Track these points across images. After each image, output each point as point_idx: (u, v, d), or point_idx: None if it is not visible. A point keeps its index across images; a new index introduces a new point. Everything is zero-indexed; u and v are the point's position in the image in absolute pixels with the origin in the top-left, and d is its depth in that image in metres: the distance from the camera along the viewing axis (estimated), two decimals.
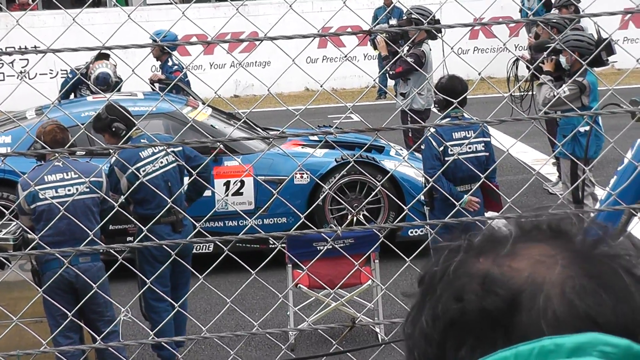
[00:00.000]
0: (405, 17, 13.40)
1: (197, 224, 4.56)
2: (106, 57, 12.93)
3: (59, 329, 7.03)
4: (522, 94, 13.22)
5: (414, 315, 1.20)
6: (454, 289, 1.16)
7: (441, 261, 1.20)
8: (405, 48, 12.80)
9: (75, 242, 7.01)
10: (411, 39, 12.39)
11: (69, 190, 7.52)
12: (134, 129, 8.08)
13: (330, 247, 7.22)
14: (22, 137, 10.12)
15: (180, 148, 8.23)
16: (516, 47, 20.57)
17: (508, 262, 1.16)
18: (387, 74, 13.34)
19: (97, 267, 7.50)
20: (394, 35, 12.80)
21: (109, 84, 12.95)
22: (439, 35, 4.88)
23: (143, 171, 8.05)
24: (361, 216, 10.50)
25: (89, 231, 6.28)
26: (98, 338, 6.11)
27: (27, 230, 7.42)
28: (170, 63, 13.42)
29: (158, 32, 12.85)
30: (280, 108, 18.02)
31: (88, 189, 7.49)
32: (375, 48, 13.92)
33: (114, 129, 8.09)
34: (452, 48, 3.81)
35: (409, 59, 12.40)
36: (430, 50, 12.99)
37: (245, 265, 4.63)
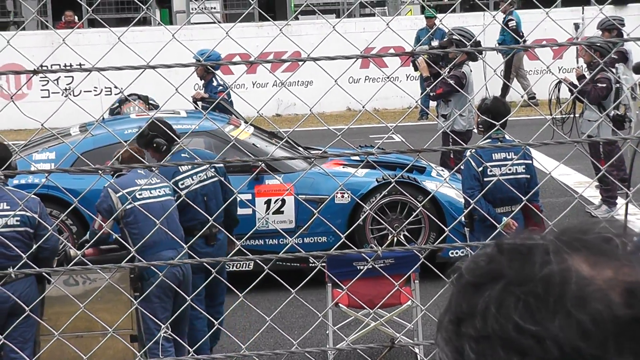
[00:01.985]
0: (446, 39, 13.40)
1: (237, 242, 4.58)
2: (137, 97, 12.77)
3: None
4: (564, 116, 13.18)
5: (544, 309, 1.18)
6: (593, 299, 1.17)
7: (541, 262, 1.20)
8: (447, 70, 12.80)
9: (171, 241, 7.43)
10: (452, 60, 12.41)
11: (155, 192, 8.00)
12: (175, 144, 8.50)
13: (371, 267, 7.23)
14: (65, 154, 10.23)
15: (222, 165, 8.51)
16: (560, 70, 20.51)
17: (633, 272, 1.18)
18: (428, 95, 13.35)
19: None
20: (435, 57, 12.81)
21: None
22: (480, 56, 4.89)
23: (182, 184, 8.34)
24: (402, 236, 10.49)
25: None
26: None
27: (71, 246, 7.60)
28: (215, 83, 13.49)
29: (202, 51, 12.93)
30: (322, 127, 18.05)
31: (170, 192, 8.09)
32: (416, 69, 13.93)
33: (155, 145, 8.44)
34: (494, 70, 3.82)
35: (449, 81, 12.41)
36: (471, 71, 12.99)
37: (285, 284, 4.64)
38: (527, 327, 1.17)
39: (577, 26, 19.34)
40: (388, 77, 4.05)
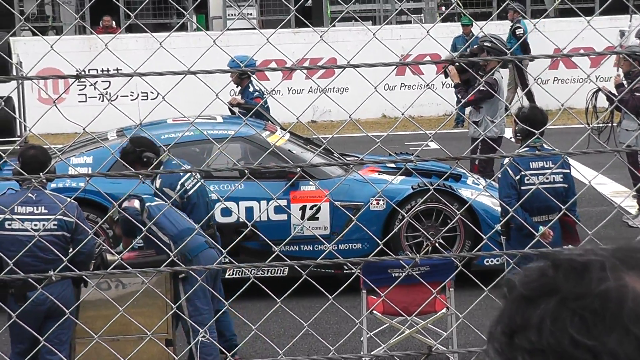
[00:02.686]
0: (477, 46, 13.38)
1: (275, 247, 4.60)
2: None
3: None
4: (601, 125, 13.11)
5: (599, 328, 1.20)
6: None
7: (597, 279, 1.21)
8: (476, 76, 12.82)
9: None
10: (483, 67, 12.46)
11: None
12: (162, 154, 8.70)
13: (405, 274, 7.22)
14: (103, 158, 10.29)
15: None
16: (597, 79, 20.41)
17: None
18: (459, 102, 13.34)
19: None
20: (466, 64, 12.81)
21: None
22: (522, 65, 4.86)
23: (187, 185, 8.67)
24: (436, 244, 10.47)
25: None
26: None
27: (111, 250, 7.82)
28: (251, 89, 13.51)
29: (238, 57, 12.93)
30: (356, 134, 18.03)
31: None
32: (447, 76, 13.84)
33: (145, 160, 8.56)
34: (535, 79, 3.81)
35: (482, 87, 12.45)
36: (502, 78, 13.00)
37: (323, 290, 4.65)
38: (583, 342, 1.18)
39: (622, 33, 19.20)
40: (427, 85, 4.05)
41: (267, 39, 3.84)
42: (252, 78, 13.59)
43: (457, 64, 12.75)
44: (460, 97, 12.80)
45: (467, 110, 13.73)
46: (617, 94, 12.05)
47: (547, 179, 8.26)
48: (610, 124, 12.81)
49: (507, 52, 10.14)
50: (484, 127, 12.86)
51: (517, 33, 20.45)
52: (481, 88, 12.48)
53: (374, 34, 3.99)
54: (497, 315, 1.28)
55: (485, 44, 12.66)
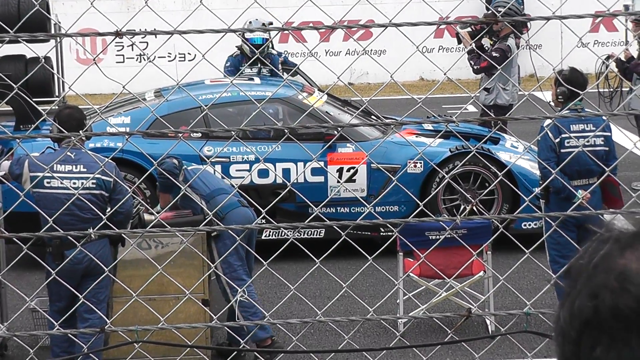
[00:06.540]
0: (490, 11, 13.27)
1: (316, 209, 4.58)
2: None
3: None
4: (611, 91, 13.11)
5: (558, 309, 1.18)
6: (592, 286, 1.12)
7: (588, 253, 1.17)
8: (487, 42, 12.81)
9: None
10: (496, 33, 12.45)
11: None
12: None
13: (445, 236, 7.20)
14: (140, 118, 10.31)
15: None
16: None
17: None
18: (471, 68, 13.20)
19: None
20: (480, 30, 12.71)
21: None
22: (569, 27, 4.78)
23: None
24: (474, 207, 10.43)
25: None
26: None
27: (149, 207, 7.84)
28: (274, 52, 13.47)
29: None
30: (393, 97, 17.97)
31: None
32: (459, 42, 13.65)
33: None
34: (580, 38, 3.75)
35: (493, 54, 12.37)
36: (517, 45, 12.91)
37: (363, 251, 4.63)
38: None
39: (626, 8, 19.04)
40: (470, 44, 3.99)
41: None
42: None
43: (470, 29, 12.69)
44: (472, 63, 12.73)
45: (479, 76, 13.66)
46: (628, 65, 12.03)
47: (587, 142, 8.18)
48: (619, 89, 12.85)
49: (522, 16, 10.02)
50: (495, 94, 12.82)
51: None
52: (494, 54, 12.40)
53: None
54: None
55: (499, 8, 12.56)
